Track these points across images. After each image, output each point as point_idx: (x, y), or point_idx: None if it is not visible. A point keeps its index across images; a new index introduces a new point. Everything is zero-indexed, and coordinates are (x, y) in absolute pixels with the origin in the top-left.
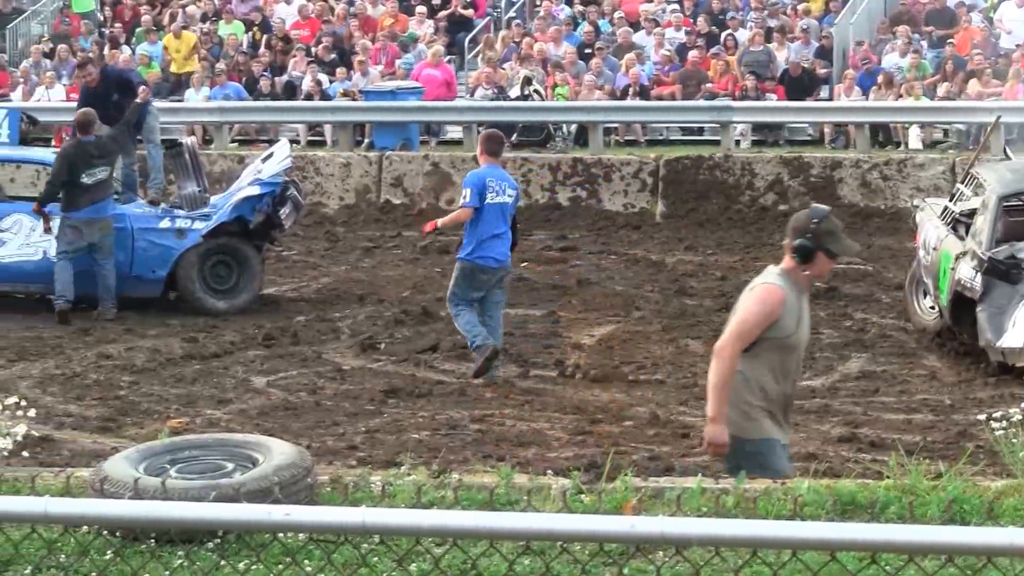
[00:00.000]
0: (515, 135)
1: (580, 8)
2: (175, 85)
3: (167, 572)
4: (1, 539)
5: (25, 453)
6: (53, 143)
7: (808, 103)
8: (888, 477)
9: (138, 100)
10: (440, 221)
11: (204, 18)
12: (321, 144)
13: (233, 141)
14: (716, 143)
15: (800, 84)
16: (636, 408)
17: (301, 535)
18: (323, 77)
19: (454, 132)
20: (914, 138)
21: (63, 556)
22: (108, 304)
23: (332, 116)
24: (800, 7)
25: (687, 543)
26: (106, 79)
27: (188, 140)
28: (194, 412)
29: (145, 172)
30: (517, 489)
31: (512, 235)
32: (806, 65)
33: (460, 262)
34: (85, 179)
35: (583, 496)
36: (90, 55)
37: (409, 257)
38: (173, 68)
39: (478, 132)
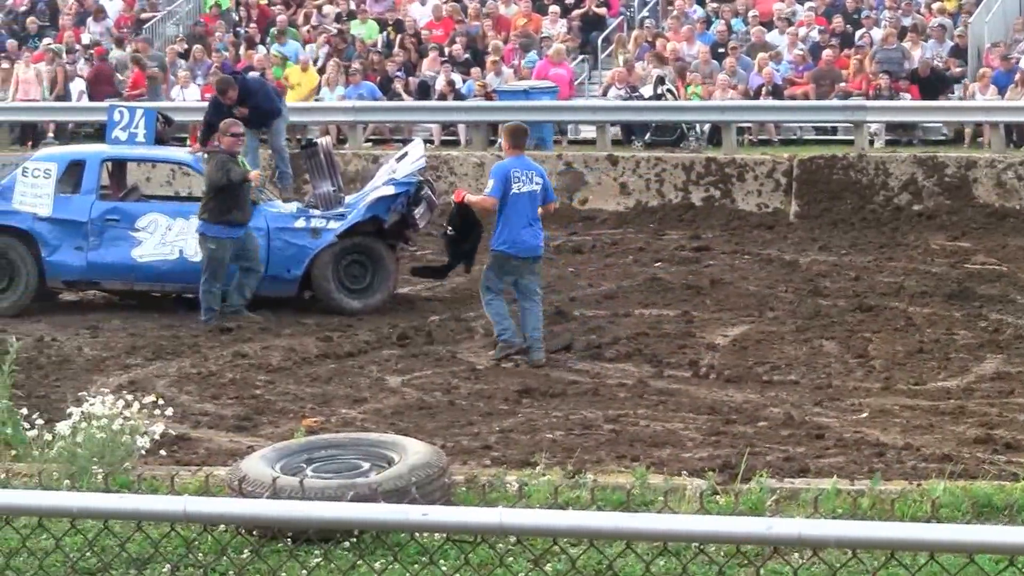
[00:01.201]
0: (648, 135)
1: (713, 7)
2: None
3: (304, 571)
4: (140, 537)
5: (162, 452)
6: (188, 143)
7: (943, 102)
8: None
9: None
10: (468, 197)
11: (338, 18)
12: (455, 144)
13: (367, 141)
14: (850, 143)
15: (931, 83)
16: (770, 409)
17: (437, 535)
18: (456, 77)
19: (587, 131)
20: None
21: (200, 555)
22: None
23: (466, 116)
24: (935, 5)
25: (824, 544)
26: (243, 95)
27: (323, 140)
28: (329, 411)
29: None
30: (652, 489)
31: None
32: (939, 64)
33: (492, 251)
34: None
35: (718, 497)
36: (230, 77)
37: (543, 256)
38: (291, 97)
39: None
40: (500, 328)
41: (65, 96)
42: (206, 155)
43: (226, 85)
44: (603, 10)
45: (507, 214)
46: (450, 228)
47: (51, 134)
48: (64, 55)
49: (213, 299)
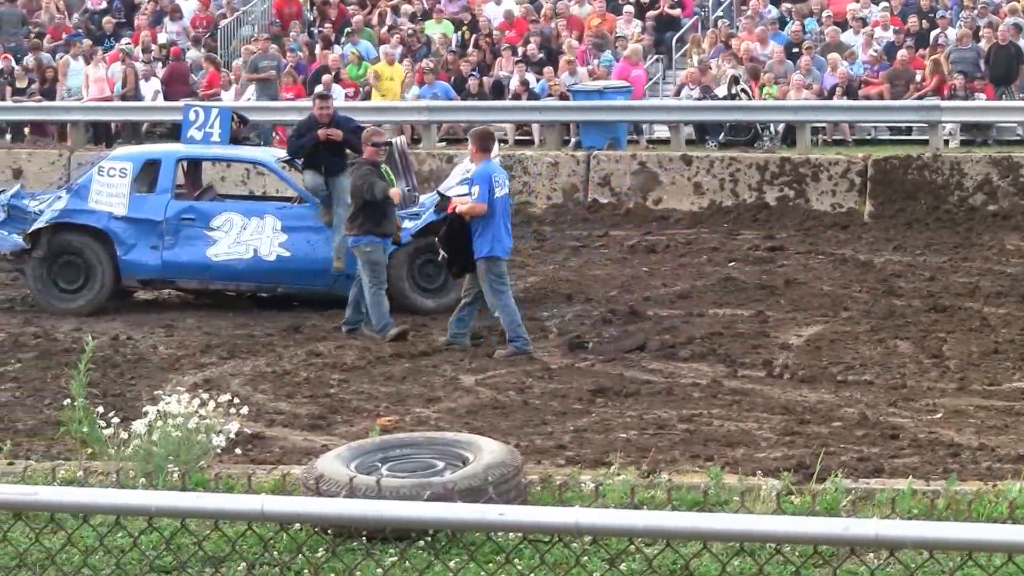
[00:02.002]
0: (722, 134)
1: (787, 7)
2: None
3: (380, 570)
4: (216, 536)
5: (238, 450)
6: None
7: (1018, 102)
8: None
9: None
10: (460, 208)
11: (413, 18)
12: (529, 143)
13: (441, 140)
14: (924, 143)
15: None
16: (844, 409)
17: (512, 534)
18: (530, 76)
19: (661, 131)
20: None
21: (275, 553)
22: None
23: (540, 115)
24: (1007, 6)
25: (901, 545)
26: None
27: (397, 140)
28: (403, 410)
29: None
30: (727, 489)
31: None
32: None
33: (482, 259)
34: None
35: (792, 497)
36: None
37: (617, 256)
38: (376, 96)
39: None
40: (514, 333)
41: (136, 96)
42: (285, 163)
43: (326, 94)
44: (677, 11)
45: (491, 218)
46: (443, 253)
47: (119, 134)
48: (139, 54)
49: (382, 304)
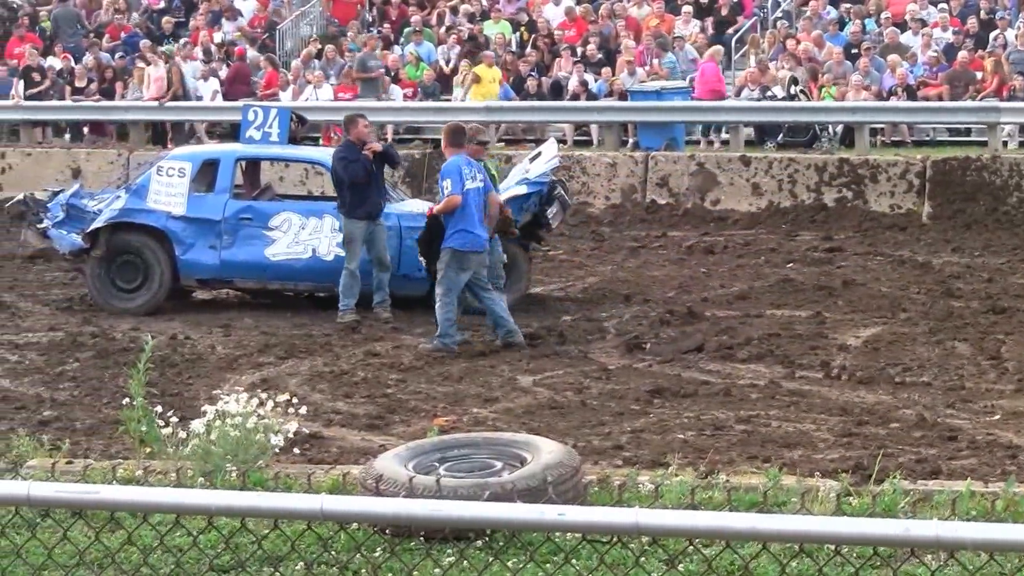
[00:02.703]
0: (781, 135)
1: (846, 7)
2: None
3: (438, 570)
4: (274, 535)
5: (296, 450)
6: (321, 142)
7: None
8: None
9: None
10: (435, 208)
11: (471, 18)
12: (587, 144)
13: (500, 140)
14: (983, 144)
15: None
16: (902, 410)
17: (570, 535)
18: (589, 77)
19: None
20: None
21: (333, 552)
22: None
23: (598, 116)
24: None
25: (961, 547)
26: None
27: None
28: (461, 410)
29: None
30: (785, 490)
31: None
32: None
33: (451, 249)
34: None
35: (851, 498)
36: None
37: (674, 257)
38: (472, 96)
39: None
40: (444, 329)
41: (183, 97)
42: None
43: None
44: (736, 12)
45: (463, 210)
46: (422, 260)
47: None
48: (198, 54)
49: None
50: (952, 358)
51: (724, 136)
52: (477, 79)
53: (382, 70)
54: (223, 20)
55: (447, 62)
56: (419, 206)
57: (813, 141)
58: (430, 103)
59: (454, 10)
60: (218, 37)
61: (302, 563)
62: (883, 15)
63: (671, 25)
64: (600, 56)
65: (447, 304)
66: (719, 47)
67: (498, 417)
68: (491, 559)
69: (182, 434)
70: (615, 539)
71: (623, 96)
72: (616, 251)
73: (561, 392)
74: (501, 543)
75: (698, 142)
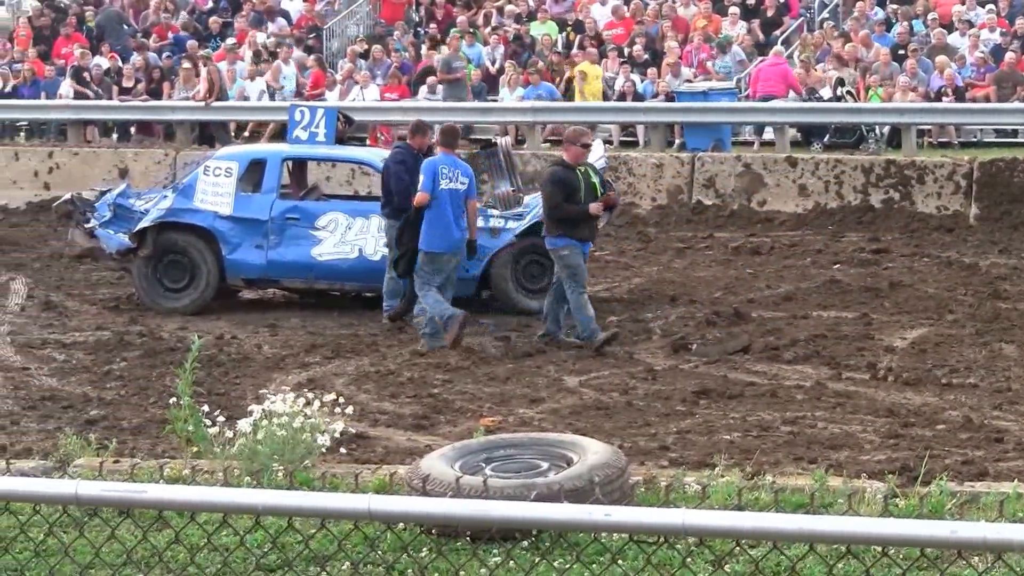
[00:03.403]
0: (827, 136)
1: (893, 8)
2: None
3: (484, 570)
4: (320, 535)
5: (342, 450)
6: (368, 142)
7: None
8: None
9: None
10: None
11: (518, 18)
12: (634, 144)
13: (545, 141)
14: None
15: None
16: (949, 412)
17: (616, 535)
18: (636, 77)
19: (767, 133)
20: None
21: (379, 552)
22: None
23: (644, 117)
24: None
25: (1009, 548)
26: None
27: (502, 140)
28: (507, 411)
29: None
30: (831, 492)
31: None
32: None
33: (423, 251)
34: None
35: (897, 500)
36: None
37: (721, 258)
38: (579, 96)
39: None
40: (441, 312)
41: (221, 98)
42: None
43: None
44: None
45: (434, 210)
46: (395, 250)
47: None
48: (244, 54)
49: (586, 308)
50: (999, 360)
51: (767, 136)
52: (584, 76)
53: (465, 71)
54: (268, 21)
55: (492, 62)
56: None
57: (860, 142)
58: (476, 103)
59: (500, 10)
60: (262, 38)
61: (348, 563)
62: (930, 16)
63: (718, 26)
64: (646, 57)
65: (424, 295)
66: (780, 48)
67: (544, 417)
68: (537, 559)
69: (229, 434)
70: (662, 540)
71: (669, 97)
72: (662, 252)
73: (607, 393)
74: (547, 543)
75: (751, 143)
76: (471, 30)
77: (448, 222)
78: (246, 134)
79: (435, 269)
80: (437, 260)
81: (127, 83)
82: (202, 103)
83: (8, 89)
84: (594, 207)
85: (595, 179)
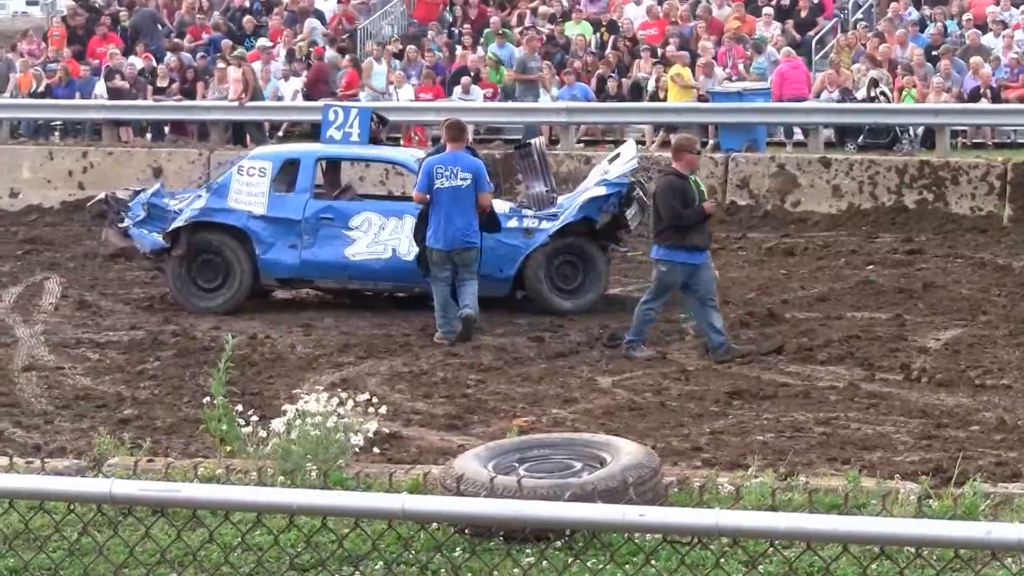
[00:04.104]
0: (861, 137)
1: (928, 10)
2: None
3: (517, 570)
4: (354, 535)
5: (375, 450)
6: (402, 143)
7: None
8: None
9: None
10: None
11: (552, 19)
12: (667, 145)
13: (579, 141)
14: None
15: None
16: (982, 413)
17: (650, 536)
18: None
19: (796, 134)
20: None
21: (413, 552)
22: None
23: (678, 117)
24: None
25: None
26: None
27: (536, 140)
28: (540, 411)
29: None
30: (865, 493)
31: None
32: None
33: (425, 249)
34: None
35: (931, 501)
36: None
37: (755, 259)
38: (672, 96)
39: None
40: (441, 321)
41: (256, 98)
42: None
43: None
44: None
45: (432, 209)
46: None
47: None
48: (277, 54)
49: (648, 321)
50: None
51: (797, 137)
52: (679, 78)
53: (542, 72)
54: (303, 21)
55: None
56: (499, 206)
57: (894, 143)
58: (510, 104)
59: (534, 11)
60: (299, 37)
61: (382, 562)
62: (964, 17)
63: (752, 26)
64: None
65: (435, 296)
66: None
67: (577, 418)
68: (571, 559)
69: (262, 433)
70: (695, 540)
71: (703, 98)
72: None
73: (640, 393)
74: (581, 544)
75: (782, 144)
76: (503, 30)
77: (444, 220)
78: (280, 134)
79: (435, 264)
80: (433, 255)
81: (161, 83)
82: (236, 103)
83: (42, 89)
84: (709, 206)
85: (703, 187)
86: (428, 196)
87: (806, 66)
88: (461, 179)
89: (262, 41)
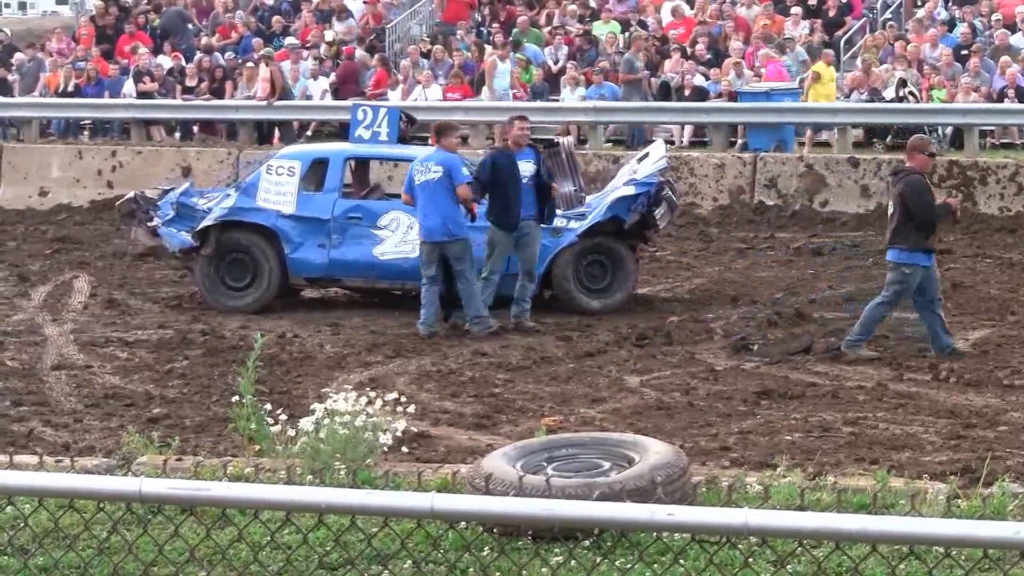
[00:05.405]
0: (889, 137)
1: (956, 11)
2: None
3: (546, 569)
4: (382, 534)
5: (404, 449)
6: (430, 142)
7: None
8: None
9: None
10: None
11: (581, 19)
12: (701, 145)
13: (608, 141)
14: None
15: None
16: (1011, 413)
17: (678, 535)
18: (699, 78)
19: (822, 134)
20: None
21: (441, 551)
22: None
23: (706, 117)
24: None
25: None
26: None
27: (565, 140)
28: (568, 410)
29: None
30: (893, 493)
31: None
32: None
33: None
34: None
35: (959, 501)
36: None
37: (782, 259)
38: (812, 96)
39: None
40: (423, 313)
41: (285, 97)
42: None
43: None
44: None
45: (416, 204)
46: None
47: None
48: (304, 53)
49: (878, 321)
50: None
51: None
52: (817, 77)
53: (647, 72)
54: (333, 20)
55: (555, 62)
56: None
57: None
58: (538, 103)
59: (563, 10)
60: (327, 36)
61: (411, 561)
62: (993, 17)
63: (781, 26)
64: (709, 56)
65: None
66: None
67: (605, 417)
68: (599, 559)
69: (291, 432)
70: (724, 539)
71: (732, 97)
72: (723, 252)
73: (668, 393)
74: (609, 543)
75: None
76: (531, 30)
77: (421, 215)
78: (308, 133)
79: (423, 262)
80: (423, 251)
81: (190, 82)
82: (265, 103)
83: (71, 88)
84: (954, 201)
85: None
86: (410, 196)
87: (835, 66)
88: (433, 172)
89: (290, 40)
